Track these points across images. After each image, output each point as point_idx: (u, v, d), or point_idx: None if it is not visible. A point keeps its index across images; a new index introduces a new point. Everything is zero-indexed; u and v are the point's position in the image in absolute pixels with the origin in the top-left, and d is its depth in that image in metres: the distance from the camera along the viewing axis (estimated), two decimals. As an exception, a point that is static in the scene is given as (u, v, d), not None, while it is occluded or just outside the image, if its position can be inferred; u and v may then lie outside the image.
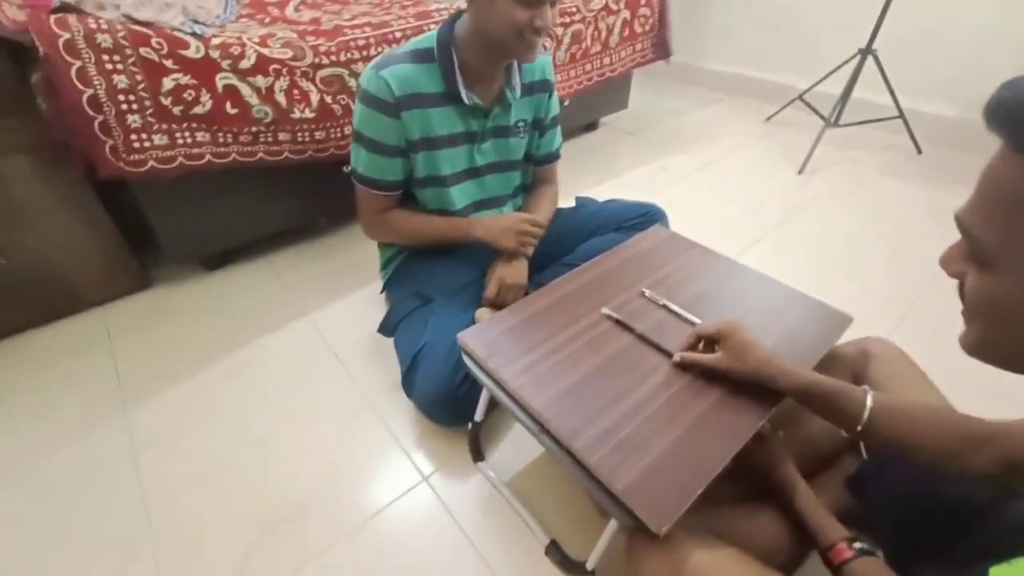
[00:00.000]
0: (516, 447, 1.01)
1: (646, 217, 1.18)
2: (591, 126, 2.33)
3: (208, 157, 1.21)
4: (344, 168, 1.05)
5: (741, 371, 0.66)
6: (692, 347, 0.73)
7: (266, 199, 1.44)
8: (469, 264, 1.11)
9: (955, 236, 0.40)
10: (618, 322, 0.81)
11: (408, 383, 1.01)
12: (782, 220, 1.70)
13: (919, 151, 2.05)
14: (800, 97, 2.19)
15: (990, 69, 1.91)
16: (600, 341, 0.78)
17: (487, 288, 1.06)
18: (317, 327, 1.31)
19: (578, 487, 0.64)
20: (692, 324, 0.80)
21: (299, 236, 1.62)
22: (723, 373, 0.69)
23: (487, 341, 0.78)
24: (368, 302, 1.37)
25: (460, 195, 1.07)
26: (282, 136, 1.27)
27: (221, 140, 1.21)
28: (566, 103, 1.84)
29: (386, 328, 1.11)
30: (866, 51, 1.90)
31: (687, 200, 1.82)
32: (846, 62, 1.97)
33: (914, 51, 2.06)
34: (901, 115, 1.99)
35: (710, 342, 0.72)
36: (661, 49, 2.05)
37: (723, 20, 2.68)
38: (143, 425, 1.07)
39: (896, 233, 1.62)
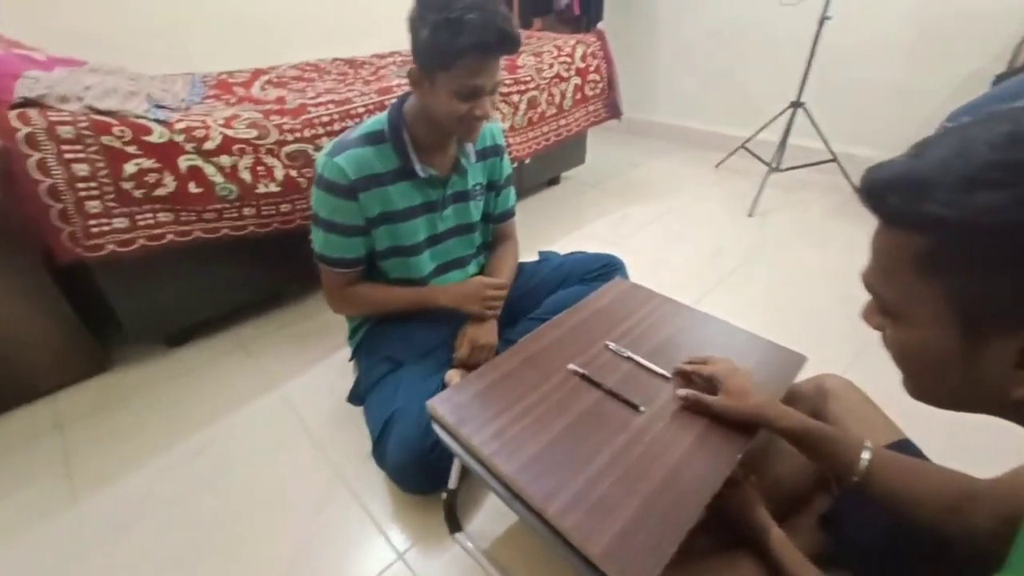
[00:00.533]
0: (494, 512, 0.99)
1: (607, 268, 1.22)
2: (553, 181, 2.43)
3: (170, 236, 1.20)
4: (309, 237, 1.06)
5: (739, 410, 0.69)
6: (687, 377, 0.79)
7: (230, 271, 1.43)
8: (437, 326, 1.11)
9: None
10: (585, 377, 0.82)
11: (379, 451, 0.98)
12: (737, 264, 1.78)
13: (856, 190, 2.20)
14: (743, 146, 2.36)
15: (906, 119, 2.11)
16: (569, 399, 0.79)
17: (459, 350, 1.06)
18: (286, 399, 1.28)
19: (554, 552, 0.63)
20: (658, 374, 0.82)
21: (265, 305, 1.60)
22: (719, 413, 0.72)
23: (456, 407, 0.78)
24: (338, 370, 1.35)
25: (424, 262, 1.09)
26: (247, 211, 1.28)
27: (184, 219, 1.21)
28: (527, 162, 1.93)
29: (355, 397, 1.09)
30: (796, 104, 2.08)
31: (649, 248, 1.89)
32: (780, 114, 2.15)
33: (839, 103, 2.27)
34: (835, 159, 2.15)
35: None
36: (612, 109, 2.20)
37: (669, 79, 2.91)
38: (99, 514, 1.01)
39: (843, 271, 1.71)
